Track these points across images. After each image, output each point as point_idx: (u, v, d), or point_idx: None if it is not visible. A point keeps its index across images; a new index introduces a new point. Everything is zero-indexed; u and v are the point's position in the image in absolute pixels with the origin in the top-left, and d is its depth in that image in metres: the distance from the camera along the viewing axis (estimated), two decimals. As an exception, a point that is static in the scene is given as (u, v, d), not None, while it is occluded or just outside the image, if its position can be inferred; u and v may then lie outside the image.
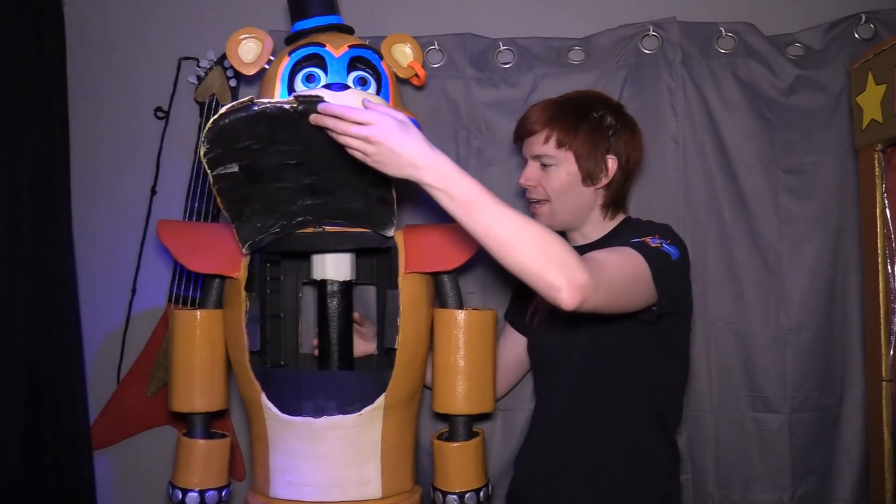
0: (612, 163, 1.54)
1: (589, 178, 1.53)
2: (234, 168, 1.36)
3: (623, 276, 1.31)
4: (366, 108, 1.25)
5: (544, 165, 1.55)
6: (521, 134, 1.59)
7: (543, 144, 1.54)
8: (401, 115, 1.25)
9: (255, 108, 1.29)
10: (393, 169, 1.22)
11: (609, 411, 1.51)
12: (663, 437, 1.55)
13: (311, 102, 1.27)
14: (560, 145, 1.53)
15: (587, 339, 1.49)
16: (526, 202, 1.85)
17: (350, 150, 1.25)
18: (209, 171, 1.35)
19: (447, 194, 1.21)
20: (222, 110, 1.29)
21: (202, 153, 1.33)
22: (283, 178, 1.40)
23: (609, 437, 1.50)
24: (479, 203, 1.21)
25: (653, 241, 1.39)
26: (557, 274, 1.18)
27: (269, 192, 1.42)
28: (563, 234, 1.63)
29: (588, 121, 1.54)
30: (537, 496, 1.57)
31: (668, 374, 1.55)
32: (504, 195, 1.86)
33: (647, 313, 1.40)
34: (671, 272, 1.39)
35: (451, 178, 1.21)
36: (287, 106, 1.29)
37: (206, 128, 1.30)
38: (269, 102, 1.30)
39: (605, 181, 1.55)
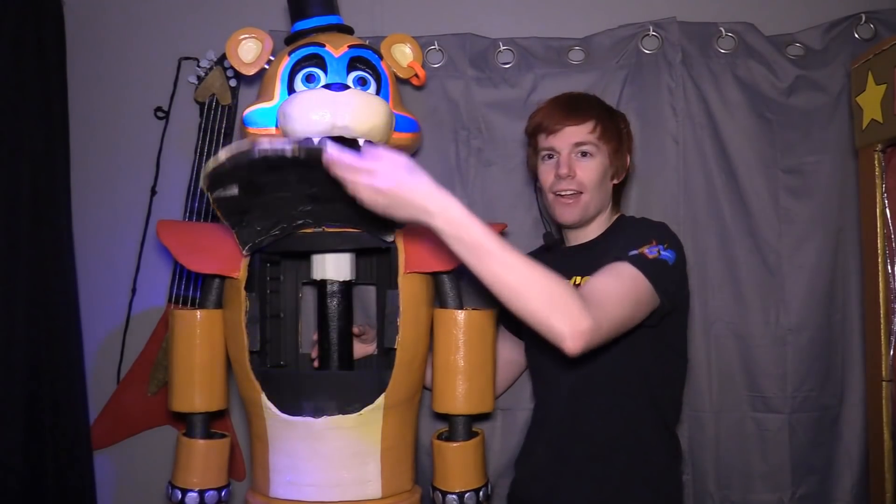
0: (628, 159, 1.61)
1: (616, 173, 1.58)
2: (234, 190, 1.35)
3: (624, 305, 1.33)
4: (369, 151, 1.22)
5: (584, 154, 1.54)
6: (563, 122, 1.54)
7: (590, 133, 1.53)
8: (405, 160, 1.21)
9: (256, 154, 1.29)
10: (403, 214, 1.21)
11: (610, 411, 1.50)
12: (665, 435, 1.55)
13: (314, 150, 1.25)
14: (602, 136, 1.54)
15: None
16: (527, 203, 1.85)
17: (359, 200, 1.22)
18: (209, 194, 1.35)
19: (458, 239, 1.20)
20: (222, 156, 1.28)
21: (203, 186, 1.33)
22: (284, 189, 1.40)
23: (610, 437, 1.50)
24: (489, 249, 1.20)
25: (650, 252, 1.40)
26: (561, 323, 1.20)
27: (269, 201, 1.42)
28: (558, 233, 1.63)
29: (617, 117, 1.60)
30: (538, 496, 1.56)
31: (667, 371, 1.55)
32: (504, 195, 1.89)
33: (651, 318, 1.41)
34: (670, 275, 1.41)
35: (462, 223, 1.19)
36: (289, 154, 1.28)
37: (206, 173, 1.30)
38: (269, 148, 1.29)
39: (622, 176, 1.60)
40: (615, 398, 1.50)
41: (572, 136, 1.54)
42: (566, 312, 1.20)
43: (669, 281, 1.41)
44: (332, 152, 1.21)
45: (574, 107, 1.56)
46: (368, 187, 1.18)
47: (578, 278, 1.52)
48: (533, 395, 1.74)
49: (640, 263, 1.38)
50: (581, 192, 1.54)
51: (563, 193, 1.55)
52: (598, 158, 1.54)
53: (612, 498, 1.49)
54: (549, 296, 1.21)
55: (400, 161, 1.20)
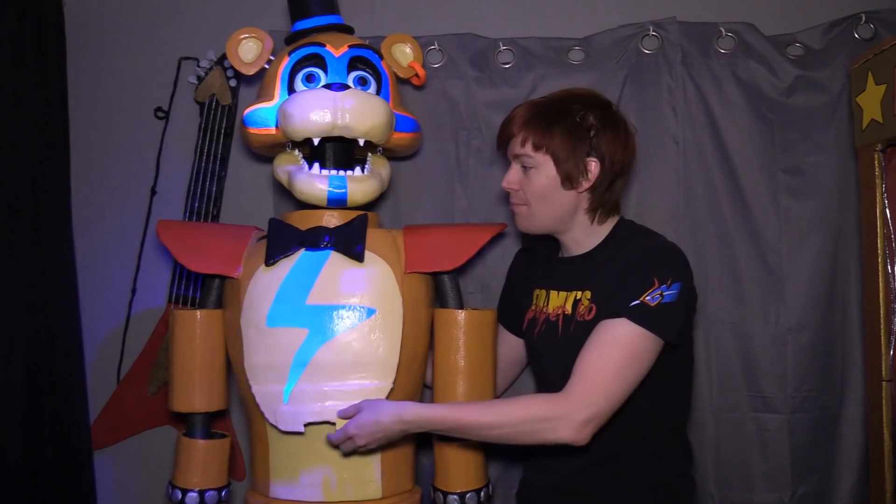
0: (593, 165, 1.46)
1: (568, 181, 1.46)
2: None
3: (622, 375, 1.37)
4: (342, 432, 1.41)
5: (525, 167, 1.50)
6: (503, 136, 1.54)
7: (521, 147, 1.49)
8: (365, 414, 1.39)
9: None
10: (390, 438, 1.42)
11: (622, 418, 1.48)
12: (678, 437, 1.54)
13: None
14: (536, 148, 1.47)
15: (577, 354, 1.48)
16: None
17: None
18: None
19: (434, 429, 1.42)
20: None
21: None
22: None
23: (624, 445, 1.48)
24: (457, 425, 1.39)
25: (652, 299, 1.38)
26: (559, 435, 1.33)
27: None
28: (544, 237, 1.61)
29: (566, 122, 1.46)
30: (554, 498, 1.54)
31: (675, 374, 1.53)
32: (504, 195, 1.88)
33: (661, 353, 1.42)
34: (675, 315, 1.40)
35: (428, 421, 1.40)
36: None
37: None
38: None
39: (586, 185, 1.47)
40: (627, 405, 1.48)
41: (511, 149, 1.52)
42: (556, 427, 1.33)
43: (675, 320, 1.40)
44: (331, 439, 1.44)
45: (510, 120, 1.53)
46: (358, 444, 1.41)
47: (578, 293, 1.50)
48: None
49: (640, 316, 1.37)
50: (526, 204, 1.52)
51: (513, 202, 1.55)
52: (541, 170, 1.48)
53: (629, 500, 1.48)
54: (533, 426, 1.35)
55: (363, 420, 1.39)
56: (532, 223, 1.53)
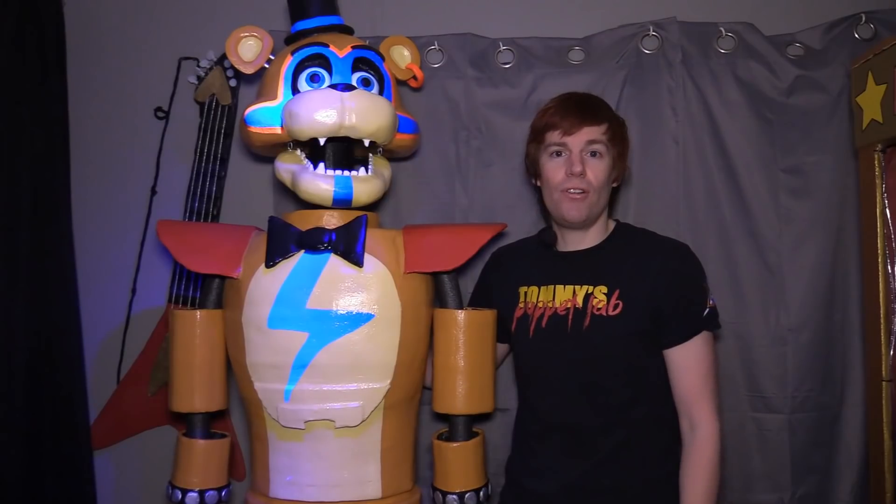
0: (626, 166, 1.60)
1: (617, 177, 1.58)
2: None
3: (715, 377, 1.50)
4: None
5: (593, 154, 1.53)
6: (579, 123, 1.53)
7: (603, 134, 1.53)
8: None
9: None
10: None
11: (627, 417, 1.49)
12: (679, 434, 1.55)
13: None
14: (612, 139, 1.54)
15: (592, 349, 1.49)
16: (527, 203, 1.86)
17: None
18: None
19: None
20: None
21: None
22: None
23: (631, 442, 1.49)
24: None
25: (712, 300, 1.52)
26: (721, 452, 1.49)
27: None
28: (554, 234, 1.62)
29: (622, 123, 1.60)
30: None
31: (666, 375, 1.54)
32: (504, 195, 1.89)
33: None
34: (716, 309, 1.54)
35: None
36: None
37: None
38: None
39: (616, 182, 1.59)
40: (628, 401, 1.50)
41: (587, 135, 1.53)
42: (720, 449, 1.47)
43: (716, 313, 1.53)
44: None
45: (590, 108, 1.56)
46: None
47: (590, 287, 1.51)
48: (525, 404, 1.67)
49: (710, 321, 1.50)
50: (588, 192, 1.53)
51: (575, 190, 1.53)
52: (605, 160, 1.54)
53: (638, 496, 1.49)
54: (718, 463, 1.47)
55: None
56: (591, 210, 1.55)
